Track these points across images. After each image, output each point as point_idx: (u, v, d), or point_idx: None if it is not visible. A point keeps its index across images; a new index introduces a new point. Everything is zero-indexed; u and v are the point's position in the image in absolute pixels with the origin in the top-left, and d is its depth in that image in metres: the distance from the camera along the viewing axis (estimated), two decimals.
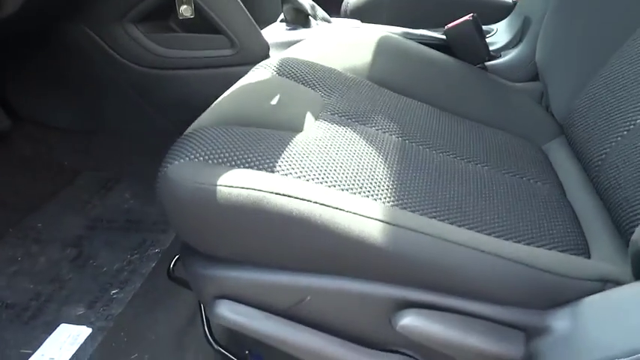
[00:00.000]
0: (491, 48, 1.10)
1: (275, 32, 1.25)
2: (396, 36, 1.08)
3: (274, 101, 0.83)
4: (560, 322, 0.55)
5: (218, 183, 0.56)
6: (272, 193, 0.54)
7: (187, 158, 0.62)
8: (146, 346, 0.88)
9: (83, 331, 0.91)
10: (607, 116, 0.82)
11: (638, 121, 0.74)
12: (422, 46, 1.06)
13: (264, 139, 0.68)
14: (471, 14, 1.02)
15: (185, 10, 1.10)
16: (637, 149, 0.70)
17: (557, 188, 0.84)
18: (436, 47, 1.06)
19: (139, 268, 1.06)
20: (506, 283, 0.55)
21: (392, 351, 0.60)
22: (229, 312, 0.59)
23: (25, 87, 1.35)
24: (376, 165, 0.70)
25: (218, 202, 0.55)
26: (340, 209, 0.54)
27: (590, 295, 0.56)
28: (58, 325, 0.93)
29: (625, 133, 0.76)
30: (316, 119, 0.79)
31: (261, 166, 0.61)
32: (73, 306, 0.97)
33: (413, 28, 1.19)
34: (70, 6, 1.10)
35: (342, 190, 0.60)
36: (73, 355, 0.87)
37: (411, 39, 1.08)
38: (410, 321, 0.54)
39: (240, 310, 0.59)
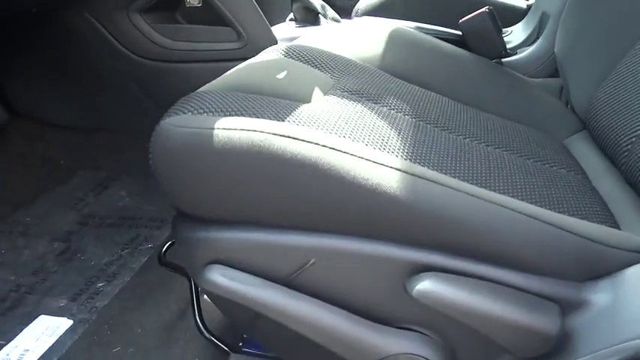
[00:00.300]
0: (507, 47, 1.06)
1: (284, 29, 1.22)
2: (410, 29, 1.04)
3: (281, 75, 0.78)
4: (599, 295, 0.49)
5: (216, 127, 0.50)
6: (276, 134, 0.48)
7: (183, 114, 0.57)
8: (131, 339, 0.80)
9: (63, 323, 0.83)
10: (635, 99, 0.76)
11: None
12: (436, 40, 1.02)
13: (268, 103, 0.63)
14: (487, 7, 0.99)
15: None
16: None
17: (582, 175, 0.78)
18: (451, 42, 1.02)
19: (129, 263, 0.99)
20: (539, 249, 0.49)
21: (403, 328, 0.52)
22: (222, 277, 0.52)
23: (24, 80, 1.32)
24: (389, 137, 0.64)
25: (215, 147, 0.49)
26: (352, 154, 0.48)
27: (630, 266, 0.50)
28: (37, 317, 0.85)
29: None
30: (325, 94, 0.74)
31: (265, 117, 0.55)
32: (55, 298, 0.90)
33: None
34: None
35: (355, 141, 0.54)
36: (49, 348, 0.79)
37: (425, 33, 1.05)
38: (428, 285, 0.47)
39: (234, 276, 0.52)
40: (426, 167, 0.54)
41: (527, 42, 1.10)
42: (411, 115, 0.76)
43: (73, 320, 0.84)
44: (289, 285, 0.52)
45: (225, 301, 0.57)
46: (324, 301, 0.52)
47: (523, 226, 0.48)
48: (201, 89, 0.68)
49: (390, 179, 0.47)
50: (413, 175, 0.48)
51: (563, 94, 1.02)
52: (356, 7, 1.39)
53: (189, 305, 0.86)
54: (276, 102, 0.64)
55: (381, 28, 1.02)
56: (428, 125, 0.75)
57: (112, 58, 1.17)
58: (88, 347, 0.78)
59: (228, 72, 0.78)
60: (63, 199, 1.22)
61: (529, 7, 1.28)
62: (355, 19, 1.31)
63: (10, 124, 1.31)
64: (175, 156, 0.52)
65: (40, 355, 0.78)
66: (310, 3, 1.21)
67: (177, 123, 0.53)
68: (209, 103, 0.59)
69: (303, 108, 0.65)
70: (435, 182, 0.48)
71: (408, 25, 1.08)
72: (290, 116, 0.59)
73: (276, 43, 1.15)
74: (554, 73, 1.03)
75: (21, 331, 0.83)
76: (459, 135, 0.76)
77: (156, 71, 1.18)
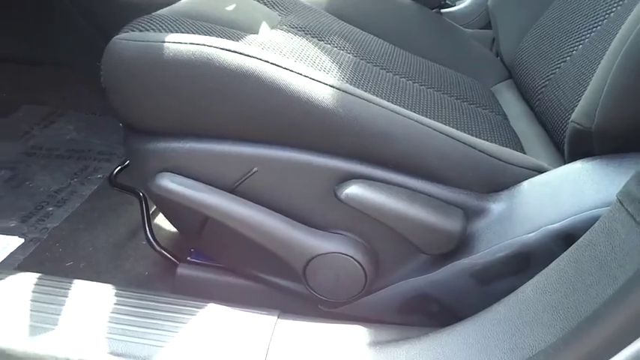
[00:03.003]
0: None
1: None
2: None
3: (230, 8, 0.82)
4: (498, 204, 0.57)
5: (166, 40, 0.54)
6: (224, 49, 0.53)
7: (132, 32, 0.61)
8: (83, 255, 0.84)
9: (13, 241, 0.86)
10: (551, 47, 0.85)
11: (582, 45, 0.78)
12: None
13: (216, 29, 0.67)
14: None
15: None
16: (579, 69, 0.74)
17: (503, 116, 0.87)
18: None
19: (79, 191, 1.01)
20: (450, 163, 0.57)
21: (333, 232, 0.60)
22: (171, 183, 0.57)
23: None
24: (330, 68, 0.70)
25: (165, 59, 0.53)
26: (292, 71, 0.54)
27: (525, 181, 0.59)
28: None
29: (568, 58, 0.80)
30: (272, 28, 0.79)
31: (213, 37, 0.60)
32: (5, 220, 0.92)
33: None
34: None
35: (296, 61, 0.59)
36: (1, 262, 0.82)
37: None
38: (355, 189, 0.54)
39: (183, 182, 0.57)
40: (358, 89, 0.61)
41: None
42: (353, 53, 0.82)
43: (24, 239, 0.87)
44: (234, 192, 0.59)
45: (174, 208, 0.63)
46: (264, 206, 0.58)
47: (437, 142, 0.56)
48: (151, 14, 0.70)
49: (325, 94, 0.54)
50: (344, 92, 0.55)
51: (494, 44, 1.10)
52: None
53: (139, 228, 0.91)
54: (224, 29, 0.69)
55: None
56: (368, 64, 0.82)
57: None
58: (41, 262, 0.82)
59: (178, 2, 0.80)
60: (6, 132, 1.21)
61: None
62: None
63: None
64: (127, 69, 0.56)
65: None
66: None
67: (129, 37, 0.57)
68: (159, 24, 0.63)
69: (251, 36, 0.69)
70: (363, 99, 0.55)
71: None
72: (237, 39, 0.64)
73: None
74: (489, 25, 1.11)
75: None
76: (396, 74, 0.83)
77: (102, 1, 1.16)
